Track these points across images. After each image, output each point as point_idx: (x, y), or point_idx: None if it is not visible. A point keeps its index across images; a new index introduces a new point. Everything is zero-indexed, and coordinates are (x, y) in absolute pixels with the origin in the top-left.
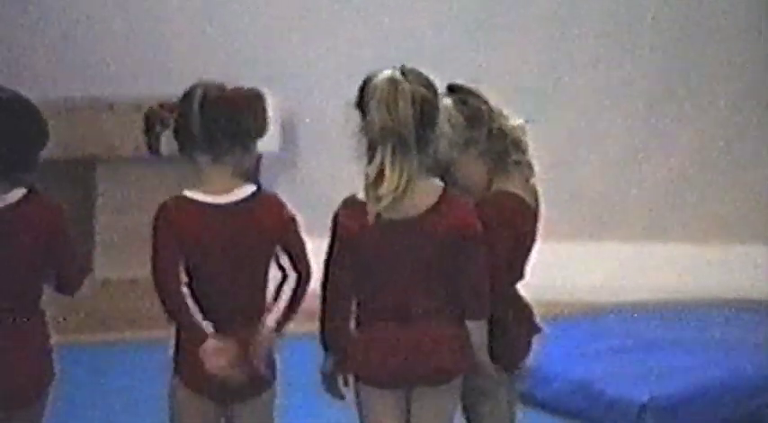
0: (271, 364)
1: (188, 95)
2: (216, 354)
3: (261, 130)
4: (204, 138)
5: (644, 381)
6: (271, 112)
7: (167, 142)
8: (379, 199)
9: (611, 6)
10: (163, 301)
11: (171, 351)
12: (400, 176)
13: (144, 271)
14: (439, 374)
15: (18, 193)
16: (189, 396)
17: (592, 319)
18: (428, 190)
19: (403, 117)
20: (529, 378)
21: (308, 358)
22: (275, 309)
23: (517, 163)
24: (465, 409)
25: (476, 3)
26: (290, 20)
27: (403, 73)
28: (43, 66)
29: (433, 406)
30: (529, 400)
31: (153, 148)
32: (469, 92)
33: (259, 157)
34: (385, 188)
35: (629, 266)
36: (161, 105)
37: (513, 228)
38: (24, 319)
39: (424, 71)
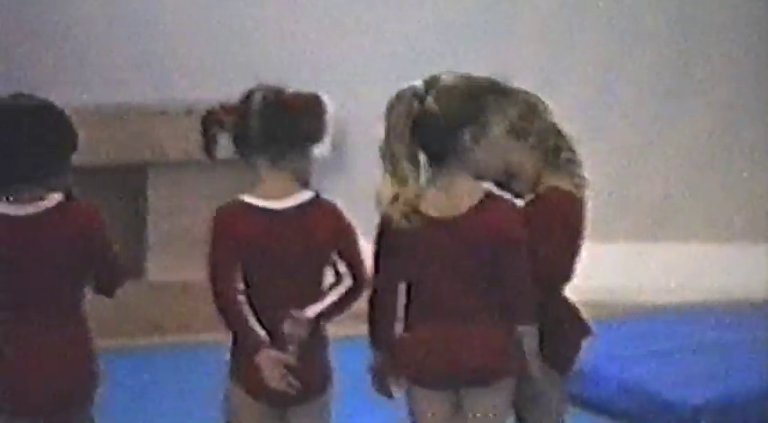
0: (326, 368)
1: (247, 98)
2: (271, 364)
3: (319, 134)
4: (263, 141)
5: (698, 383)
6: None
7: (222, 146)
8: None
9: (612, 4)
10: (220, 308)
11: (227, 355)
12: (390, 187)
13: (195, 274)
14: (483, 375)
15: (55, 199)
16: (245, 400)
17: (641, 321)
18: (471, 191)
19: (392, 135)
20: (579, 379)
21: (364, 360)
22: (320, 301)
23: (569, 161)
24: (516, 411)
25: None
26: (339, 23)
27: (422, 87)
28: (93, 72)
29: (483, 407)
30: (579, 401)
31: (209, 151)
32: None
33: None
34: (382, 197)
35: (679, 267)
36: (221, 107)
37: (567, 225)
38: (64, 324)
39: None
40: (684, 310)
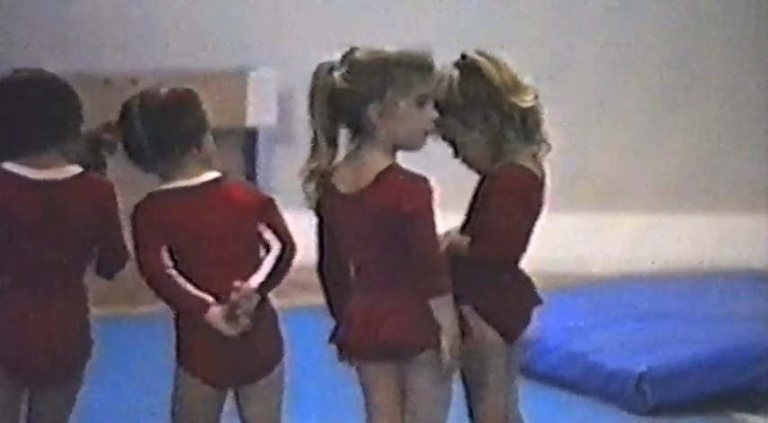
0: (276, 343)
1: (126, 108)
2: (223, 317)
3: (202, 127)
4: (152, 145)
5: (642, 351)
6: (269, 87)
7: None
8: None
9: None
10: (156, 288)
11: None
12: (309, 163)
13: None
14: (397, 348)
15: (73, 170)
16: (193, 384)
17: (591, 292)
18: (375, 165)
19: (311, 110)
20: (529, 350)
21: (317, 330)
22: (258, 272)
23: (528, 138)
24: (464, 380)
25: None
26: None
27: (338, 61)
28: (35, 43)
29: (411, 381)
30: (528, 372)
31: (100, 172)
32: (475, 69)
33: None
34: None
35: (628, 238)
36: (105, 126)
37: (521, 200)
38: (66, 292)
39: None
40: (633, 281)
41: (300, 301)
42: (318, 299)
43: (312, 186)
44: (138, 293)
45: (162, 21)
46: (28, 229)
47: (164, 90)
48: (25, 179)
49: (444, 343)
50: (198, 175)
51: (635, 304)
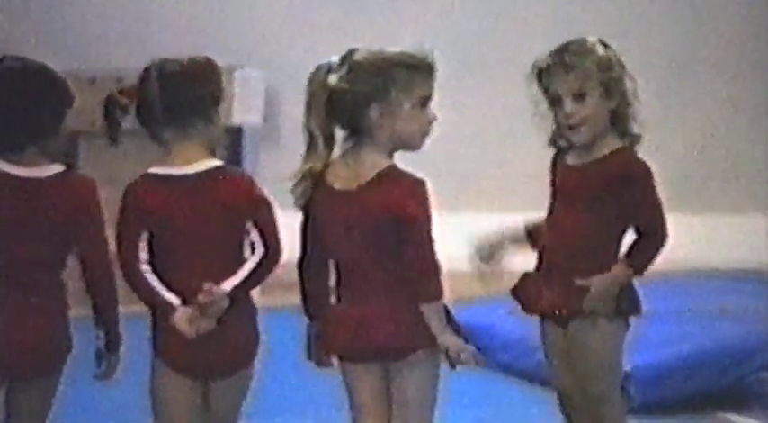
0: (252, 339)
1: (146, 75)
2: (187, 320)
3: (217, 96)
4: (167, 111)
5: (630, 349)
6: (255, 86)
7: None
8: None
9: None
10: (127, 280)
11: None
12: (304, 164)
13: None
14: (388, 350)
15: (55, 168)
16: (169, 374)
17: None
18: (374, 164)
19: (308, 110)
20: (509, 349)
21: (293, 330)
22: (235, 275)
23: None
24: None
25: None
26: None
27: (336, 62)
28: (21, 40)
29: (403, 382)
30: (513, 370)
31: (113, 137)
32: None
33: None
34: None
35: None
36: (120, 91)
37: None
38: (44, 289)
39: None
40: None
41: (283, 300)
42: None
43: (302, 187)
44: None
45: (148, 19)
46: (8, 225)
47: (185, 59)
48: (5, 175)
49: (443, 341)
50: (197, 160)
51: None
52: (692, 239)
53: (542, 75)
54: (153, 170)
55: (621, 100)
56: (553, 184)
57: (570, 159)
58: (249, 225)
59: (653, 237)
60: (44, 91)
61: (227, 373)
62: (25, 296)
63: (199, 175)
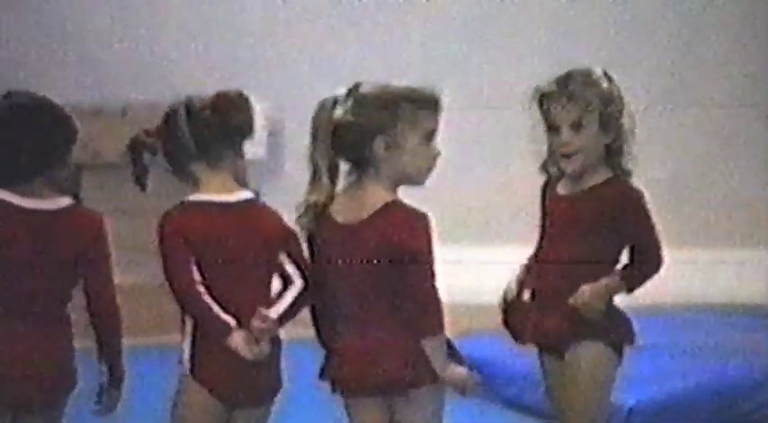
0: (279, 373)
1: (172, 111)
2: (246, 343)
3: (250, 128)
4: (197, 146)
5: (631, 385)
6: (258, 119)
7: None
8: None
9: (611, 7)
10: (182, 303)
11: (186, 353)
12: (308, 196)
13: (126, 277)
14: (389, 384)
15: (63, 202)
16: (203, 397)
17: None
18: (377, 198)
19: (314, 142)
20: (508, 380)
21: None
22: (280, 303)
23: None
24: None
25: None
26: (278, 27)
27: (343, 95)
28: (29, 71)
29: (407, 416)
30: (517, 405)
31: (142, 181)
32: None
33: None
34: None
35: None
36: (144, 131)
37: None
38: (49, 322)
39: (416, 77)
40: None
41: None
42: (308, 331)
43: (307, 219)
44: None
45: (153, 51)
46: (15, 256)
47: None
48: (15, 207)
49: (446, 375)
50: (230, 190)
51: None
52: (690, 273)
53: (544, 99)
54: (192, 198)
55: (618, 135)
56: (544, 213)
57: (561, 189)
58: (283, 257)
59: (648, 262)
60: (49, 125)
61: (257, 403)
62: (31, 328)
63: (239, 203)
